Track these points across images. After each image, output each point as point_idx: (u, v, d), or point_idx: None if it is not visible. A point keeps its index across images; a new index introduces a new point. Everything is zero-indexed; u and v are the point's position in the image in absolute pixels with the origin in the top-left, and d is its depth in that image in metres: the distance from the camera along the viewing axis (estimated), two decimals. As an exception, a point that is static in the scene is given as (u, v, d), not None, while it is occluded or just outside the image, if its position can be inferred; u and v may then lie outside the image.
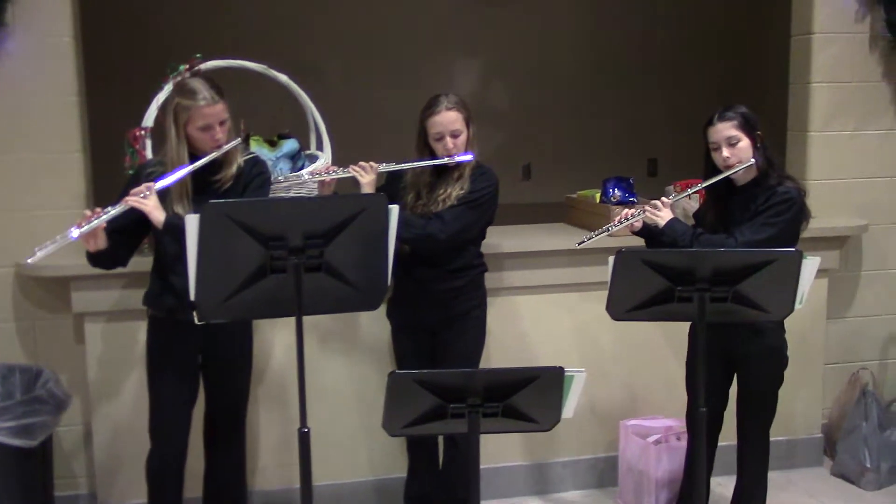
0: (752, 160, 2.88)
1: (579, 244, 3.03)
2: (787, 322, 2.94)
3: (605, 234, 3.00)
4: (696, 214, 3.19)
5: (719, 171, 2.93)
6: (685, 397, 3.18)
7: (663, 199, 3.01)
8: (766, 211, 2.86)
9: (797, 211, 2.89)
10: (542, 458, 3.72)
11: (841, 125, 3.91)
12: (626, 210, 3.03)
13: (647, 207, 2.99)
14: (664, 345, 3.67)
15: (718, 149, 2.91)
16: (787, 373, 3.79)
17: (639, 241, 3.08)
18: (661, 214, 2.96)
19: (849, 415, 3.88)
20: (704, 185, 2.98)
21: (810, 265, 2.61)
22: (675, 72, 6.38)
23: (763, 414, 3.04)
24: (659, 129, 6.17)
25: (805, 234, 3.71)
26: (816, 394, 3.95)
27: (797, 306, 2.57)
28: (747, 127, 2.90)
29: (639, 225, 3.01)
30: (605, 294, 2.61)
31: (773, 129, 4.60)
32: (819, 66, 3.86)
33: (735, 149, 2.89)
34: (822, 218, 3.89)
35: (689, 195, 3.07)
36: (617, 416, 3.71)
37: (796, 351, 3.82)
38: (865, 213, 3.95)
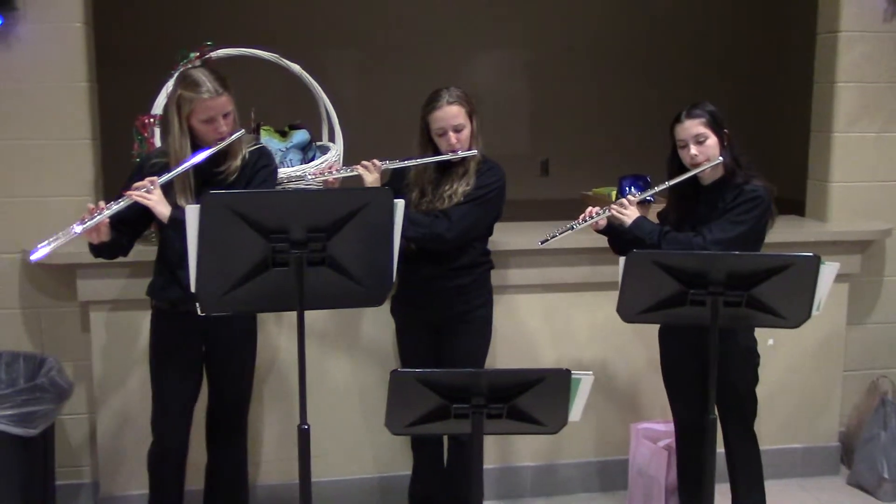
0: (720, 158, 2.84)
1: (542, 243, 2.98)
2: (806, 327, 2.86)
3: (570, 232, 2.95)
4: (659, 214, 3.13)
5: (686, 170, 2.89)
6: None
7: (629, 197, 2.97)
8: (734, 209, 2.82)
9: (765, 209, 2.84)
10: (550, 459, 3.67)
11: (866, 126, 3.81)
12: (591, 208, 2.99)
13: (613, 206, 2.95)
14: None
15: (686, 146, 2.87)
16: (805, 379, 3.77)
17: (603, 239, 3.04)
18: (628, 213, 2.92)
19: (867, 423, 3.79)
20: (671, 182, 2.93)
21: (828, 271, 2.53)
22: (698, 70, 6.29)
23: (745, 414, 2.99)
24: (680, 126, 6.08)
25: (827, 238, 3.67)
26: (834, 401, 3.87)
27: (814, 313, 2.50)
28: (714, 124, 2.86)
29: (603, 223, 2.97)
30: (615, 294, 2.55)
31: (792, 128, 4.53)
32: (845, 66, 3.77)
33: (703, 147, 2.85)
34: (845, 221, 3.82)
35: (655, 193, 3.00)
36: (628, 418, 3.65)
37: (815, 356, 3.77)
38: (889, 217, 3.85)
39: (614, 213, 2.92)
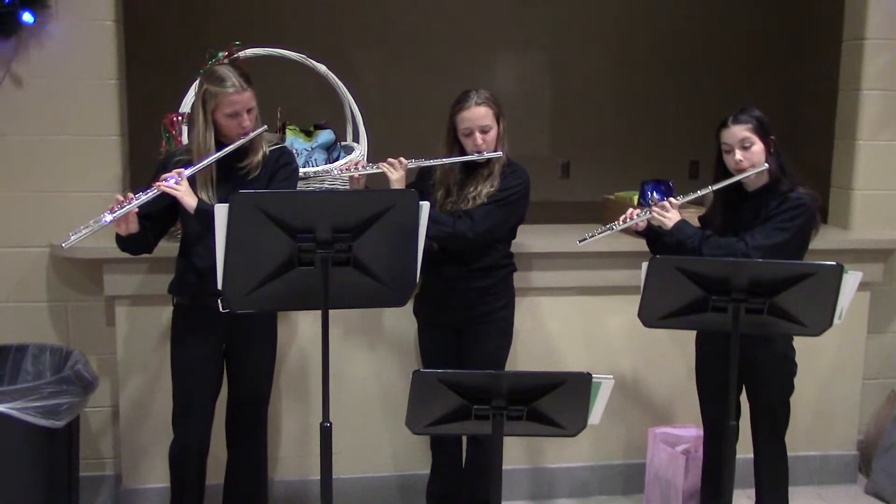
0: (766, 165, 2.84)
1: (580, 241, 3.00)
2: (826, 335, 2.86)
3: (609, 232, 2.96)
4: (702, 218, 3.13)
5: (730, 174, 2.89)
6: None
7: (671, 200, 2.96)
8: (777, 216, 2.81)
9: (809, 217, 2.84)
10: (568, 461, 3.68)
11: (891, 135, 3.79)
12: (632, 210, 2.99)
13: (654, 208, 2.95)
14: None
15: (731, 151, 2.86)
16: (824, 386, 3.76)
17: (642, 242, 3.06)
18: (669, 216, 2.91)
19: (886, 432, 3.78)
20: (715, 187, 2.93)
21: (851, 280, 2.53)
22: (720, 74, 6.27)
23: (776, 423, 2.99)
24: (701, 130, 6.08)
25: (849, 246, 3.66)
26: (853, 409, 3.86)
27: (836, 321, 2.50)
28: (761, 131, 2.85)
29: (643, 225, 2.97)
30: (636, 298, 2.56)
31: (816, 135, 4.51)
32: (870, 73, 3.75)
33: (748, 152, 2.84)
34: (868, 230, 3.80)
35: (697, 197, 3.00)
36: (646, 423, 3.66)
37: (834, 364, 3.76)
38: (913, 227, 3.84)
39: (655, 215, 2.93)
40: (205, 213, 2.64)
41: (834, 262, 2.42)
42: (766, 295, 2.43)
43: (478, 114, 2.96)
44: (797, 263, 2.49)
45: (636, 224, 2.96)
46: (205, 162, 2.74)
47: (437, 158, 3.04)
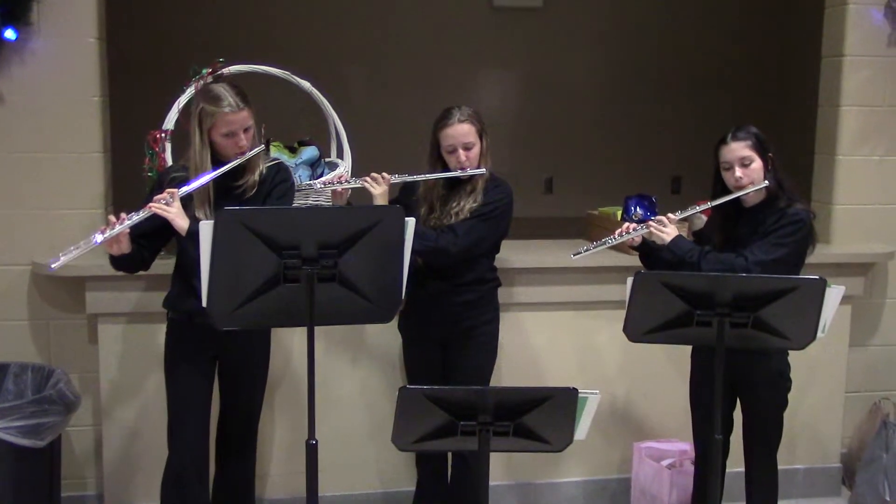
0: (766, 182, 2.85)
1: (574, 255, 3.01)
2: (809, 348, 2.88)
3: (604, 246, 2.97)
4: (698, 233, 3.14)
5: (729, 191, 2.90)
6: (700, 421, 3.13)
7: (669, 215, 2.97)
8: (776, 231, 2.82)
9: (806, 233, 2.86)
10: (554, 476, 3.68)
11: (870, 150, 3.84)
12: (628, 224, 3.00)
13: (651, 223, 2.95)
14: (681, 366, 3.60)
15: (731, 169, 2.87)
16: (806, 400, 3.78)
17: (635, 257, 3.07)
18: (667, 231, 2.92)
19: (869, 445, 3.80)
20: (713, 203, 2.94)
21: (834, 294, 2.55)
22: (702, 90, 6.34)
23: (769, 439, 2.99)
24: (684, 146, 6.15)
25: (830, 260, 3.69)
26: (836, 422, 3.88)
27: (819, 335, 2.52)
28: (760, 148, 2.87)
29: (638, 240, 2.98)
30: (621, 313, 2.57)
31: (797, 150, 4.56)
32: (849, 89, 3.80)
33: (748, 170, 2.86)
34: (848, 244, 3.84)
35: (696, 213, 3.01)
36: (631, 437, 3.66)
37: (817, 378, 3.79)
38: (892, 240, 3.87)
39: (653, 230, 2.93)
40: (197, 235, 2.62)
41: (817, 277, 2.44)
42: (750, 309, 2.45)
43: (461, 131, 2.97)
44: (781, 278, 2.51)
45: (632, 238, 2.97)
46: (199, 182, 2.72)
47: (420, 174, 3.05)
